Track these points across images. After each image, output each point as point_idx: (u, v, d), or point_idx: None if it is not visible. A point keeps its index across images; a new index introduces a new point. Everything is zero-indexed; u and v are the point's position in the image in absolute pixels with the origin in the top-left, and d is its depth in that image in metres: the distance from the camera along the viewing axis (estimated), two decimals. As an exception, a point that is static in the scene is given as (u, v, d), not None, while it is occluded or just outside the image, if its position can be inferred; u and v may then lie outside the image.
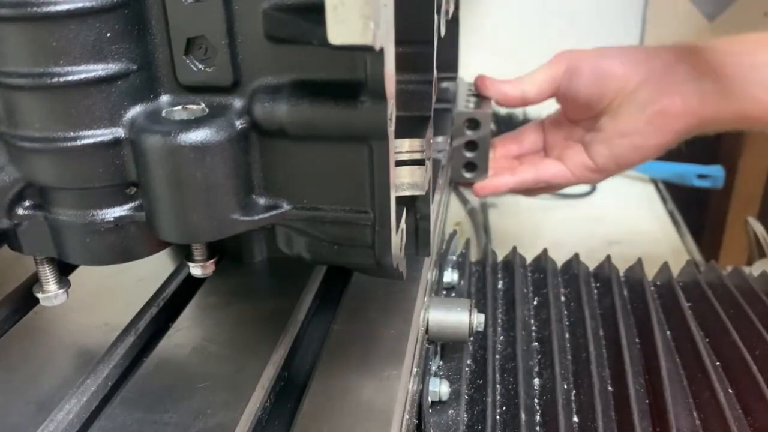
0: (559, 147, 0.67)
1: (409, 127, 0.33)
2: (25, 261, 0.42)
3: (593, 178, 0.65)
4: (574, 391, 0.50)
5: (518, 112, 1.47)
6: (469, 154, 0.62)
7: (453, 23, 0.58)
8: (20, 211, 0.30)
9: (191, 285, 0.44)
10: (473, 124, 0.60)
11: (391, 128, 0.27)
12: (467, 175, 0.63)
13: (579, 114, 0.64)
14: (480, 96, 0.63)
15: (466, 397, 0.49)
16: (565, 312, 0.60)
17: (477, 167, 0.63)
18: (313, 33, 0.24)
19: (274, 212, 0.30)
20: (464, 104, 0.61)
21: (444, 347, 0.52)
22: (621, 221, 0.95)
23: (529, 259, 0.68)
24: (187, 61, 0.28)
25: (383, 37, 0.22)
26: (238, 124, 0.28)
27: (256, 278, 0.45)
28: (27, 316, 0.42)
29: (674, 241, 0.94)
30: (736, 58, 0.57)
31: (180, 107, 0.28)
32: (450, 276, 0.59)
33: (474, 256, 0.70)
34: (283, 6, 0.26)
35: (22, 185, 0.29)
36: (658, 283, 0.64)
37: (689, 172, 1.05)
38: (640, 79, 0.58)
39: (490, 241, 0.89)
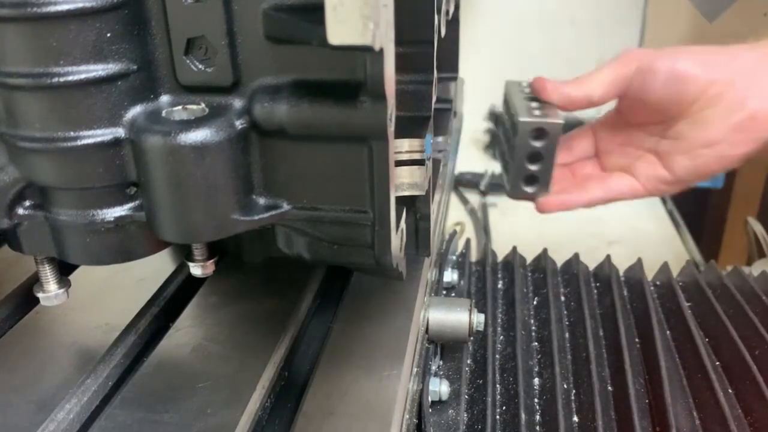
0: (617, 154, 0.62)
1: (409, 127, 0.33)
2: (25, 261, 0.43)
3: (667, 190, 0.61)
4: (573, 391, 0.50)
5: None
6: (531, 167, 0.56)
7: (453, 23, 0.57)
8: (21, 211, 0.30)
9: (191, 285, 0.44)
10: (540, 134, 0.54)
11: (391, 128, 0.27)
12: (527, 189, 0.57)
13: (646, 118, 0.59)
14: (541, 101, 0.57)
15: (466, 396, 0.49)
16: (565, 312, 0.60)
17: (539, 180, 0.57)
18: (313, 33, 0.24)
19: (273, 212, 0.30)
20: (527, 110, 0.55)
21: (444, 347, 0.52)
22: (621, 221, 0.95)
23: (529, 259, 0.68)
24: (187, 62, 0.28)
25: (383, 37, 0.22)
26: (238, 124, 0.28)
27: (256, 278, 0.45)
28: (27, 315, 0.42)
29: (674, 241, 0.94)
30: None
31: (180, 107, 0.28)
32: (450, 276, 0.59)
33: (474, 256, 0.70)
34: (282, 6, 0.26)
35: (22, 185, 0.29)
36: (657, 283, 0.64)
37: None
38: (723, 81, 0.53)
39: (490, 241, 0.89)
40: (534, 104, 0.56)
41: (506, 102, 0.61)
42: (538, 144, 0.54)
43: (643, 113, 0.58)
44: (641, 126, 0.60)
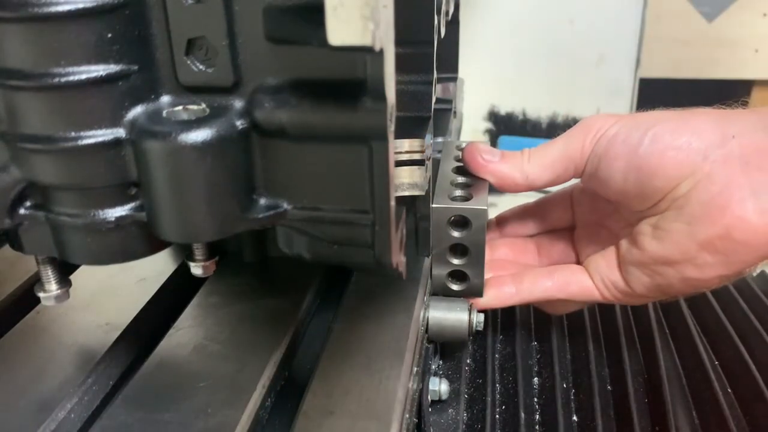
0: (588, 237, 0.49)
1: (409, 128, 0.33)
2: (26, 261, 0.43)
3: (628, 302, 0.46)
4: (573, 391, 0.50)
5: (517, 111, 1.47)
6: (456, 261, 0.44)
7: (453, 23, 0.57)
8: (22, 211, 0.30)
9: (192, 285, 0.44)
10: (461, 222, 0.42)
11: (391, 128, 0.27)
12: (454, 287, 0.45)
13: (615, 205, 0.46)
14: (471, 175, 0.45)
15: (466, 396, 0.49)
16: (565, 311, 0.60)
17: (468, 278, 0.45)
18: (313, 33, 0.24)
19: (274, 212, 0.30)
20: (449, 190, 0.43)
21: (443, 346, 0.52)
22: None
23: (528, 258, 0.68)
24: (188, 62, 0.28)
25: (383, 37, 0.22)
26: (239, 124, 0.28)
27: (257, 278, 0.45)
28: (29, 315, 0.42)
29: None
30: None
31: (181, 107, 0.28)
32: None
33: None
34: (283, 7, 0.26)
35: (23, 185, 0.29)
36: (657, 282, 0.64)
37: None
38: (700, 176, 0.38)
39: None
40: (461, 179, 0.45)
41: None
42: (459, 234, 0.42)
43: (610, 201, 0.45)
44: (617, 205, 0.46)
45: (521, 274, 0.47)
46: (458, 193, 0.43)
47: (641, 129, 0.40)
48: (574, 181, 0.47)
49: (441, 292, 0.46)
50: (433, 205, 0.42)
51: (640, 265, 0.42)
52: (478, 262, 0.43)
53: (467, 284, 0.45)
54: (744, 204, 0.37)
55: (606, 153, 0.42)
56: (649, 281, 0.42)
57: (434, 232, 0.42)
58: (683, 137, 0.39)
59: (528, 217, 0.52)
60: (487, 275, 0.45)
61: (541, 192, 0.49)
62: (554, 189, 0.49)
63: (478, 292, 0.45)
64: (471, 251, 0.43)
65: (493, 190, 0.45)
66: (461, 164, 0.46)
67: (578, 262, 0.49)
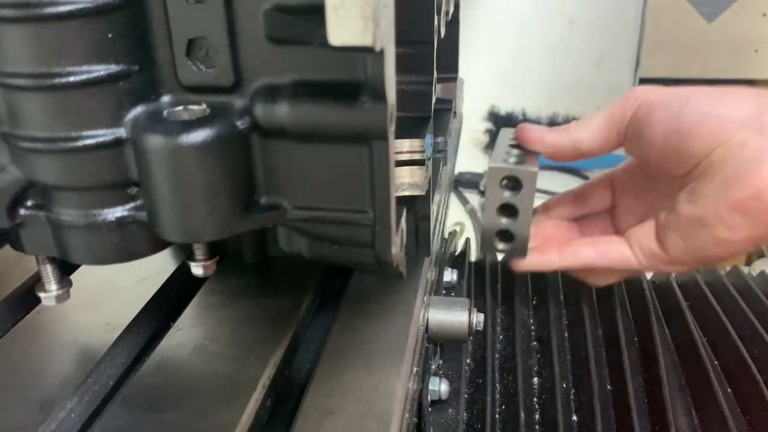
0: (628, 213, 0.52)
1: (409, 128, 0.34)
2: (27, 260, 0.43)
3: (672, 269, 0.50)
4: (573, 390, 0.50)
5: (517, 111, 1.47)
6: (505, 220, 0.48)
7: (453, 23, 0.57)
8: (22, 211, 0.30)
9: (192, 284, 0.44)
10: (513, 183, 0.46)
11: (392, 128, 0.27)
12: (500, 246, 0.49)
13: (656, 171, 0.48)
14: (524, 148, 0.49)
15: (466, 396, 0.49)
16: (564, 311, 0.60)
17: (514, 238, 0.48)
18: (314, 34, 0.24)
19: (274, 212, 0.30)
20: (503, 156, 0.48)
21: (443, 346, 0.52)
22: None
23: (528, 258, 0.68)
24: (189, 62, 0.28)
25: (384, 37, 0.22)
26: (239, 124, 0.28)
27: (257, 278, 0.45)
28: (29, 315, 0.42)
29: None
30: None
31: (181, 107, 0.28)
32: (450, 276, 0.59)
33: (474, 256, 0.71)
34: (283, 7, 0.26)
35: (24, 185, 0.29)
36: (657, 282, 0.64)
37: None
38: (733, 143, 0.41)
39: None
40: (515, 151, 0.49)
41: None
42: (510, 195, 0.46)
43: (650, 167, 0.48)
44: (654, 180, 0.49)
45: (565, 243, 0.50)
46: (512, 159, 0.47)
47: (683, 97, 0.43)
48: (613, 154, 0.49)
49: (488, 250, 0.50)
50: (490, 165, 0.46)
51: (676, 228, 0.45)
52: (525, 223, 0.47)
53: (512, 244, 0.49)
54: None
55: (648, 117, 0.44)
56: (683, 245, 0.45)
57: (488, 192, 0.47)
58: (722, 107, 0.42)
59: (571, 201, 0.55)
60: (532, 244, 0.49)
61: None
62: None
63: (523, 252, 0.49)
64: (520, 212, 0.47)
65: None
66: (515, 143, 0.50)
67: None
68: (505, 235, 0.48)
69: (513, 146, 0.49)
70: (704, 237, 0.43)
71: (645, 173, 0.50)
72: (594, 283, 0.53)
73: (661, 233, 0.46)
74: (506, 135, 0.52)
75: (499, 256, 0.59)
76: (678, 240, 0.45)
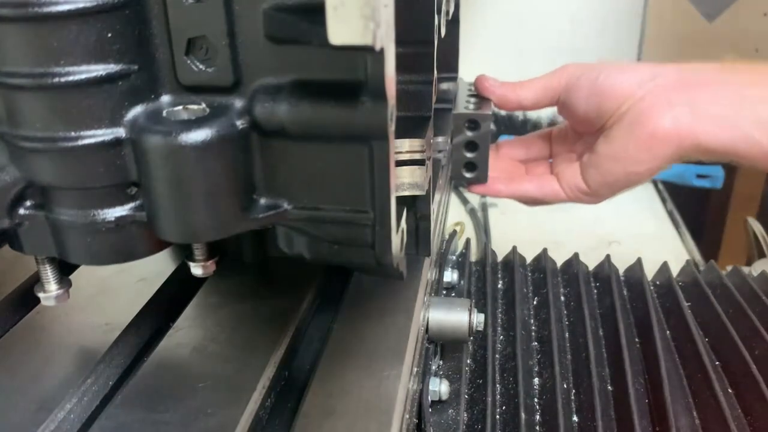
0: (561, 160, 0.65)
1: (409, 127, 0.33)
2: (26, 261, 0.43)
3: (589, 200, 0.62)
4: (573, 391, 0.50)
5: (518, 113, 1.47)
6: (469, 155, 0.62)
7: (453, 23, 0.57)
8: (21, 211, 0.30)
9: (192, 285, 0.44)
10: (473, 124, 0.61)
11: (392, 128, 0.27)
12: (467, 174, 0.63)
13: (581, 128, 0.63)
14: (480, 97, 0.63)
15: (466, 396, 0.49)
16: (565, 312, 0.60)
17: (477, 167, 0.63)
18: (314, 33, 0.24)
19: (274, 212, 0.30)
20: (464, 105, 0.62)
21: (444, 347, 0.52)
22: (621, 221, 0.95)
23: (529, 258, 0.68)
24: (188, 62, 0.28)
25: (384, 37, 0.22)
26: (239, 124, 0.28)
27: (257, 278, 0.45)
28: (28, 315, 0.42)
29: (674, 241, 0.94)
30: (731, 89, 0.54)
31: (181, 107, 0.28)
32: (450, 276, 0.59)
33: (474, 256, 0.71)
34: (283, 6, 0.26)
35: (23, 185, 0.29)
36: (657, 282, 0.64)
37: (689, 172, 1.05)
38: (635, 98, 0.55)
39: (490, 241, 0.89)
40: (473, 100, 0.61)
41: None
42: (472, 134, 0.60)
43: (576, 124, 0.63)
44: (582, 135, 0.63)
45: (512, 178, 0.64)
46: (471, 106, 0.60)
47: (597, 70, 0.58)
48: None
49: (457, 179, 0.62)
50: (454, 112, 0.59)
51: (595, 165, 0.58)
52: (484, 156, 0.61)
53: (475, 173, 0.61)
54: (663, 114, 0.53)
55: (574, 86, 0.59)
56: (600, 178, 0.58)
57: (454, 133, 0.59)
58: (627, 74, 0.56)
59: (519, 145, 0.69)
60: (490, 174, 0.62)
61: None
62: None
63: (484, 179, 0.62)
64: (479, 146, 0.60)
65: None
66: (473, 92, 0.63)
67: None
68: (470, 166, 0.61)
69: (471, 95, 0.62)
70: (617, 170, 0.56)
71: (574, 129, 0.63)
72: (530, 205, 0.66)
73: (584, 171, 0.59)
74: (464, 86, 0.64)
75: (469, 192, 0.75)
76: (597, 175, 0.58)
